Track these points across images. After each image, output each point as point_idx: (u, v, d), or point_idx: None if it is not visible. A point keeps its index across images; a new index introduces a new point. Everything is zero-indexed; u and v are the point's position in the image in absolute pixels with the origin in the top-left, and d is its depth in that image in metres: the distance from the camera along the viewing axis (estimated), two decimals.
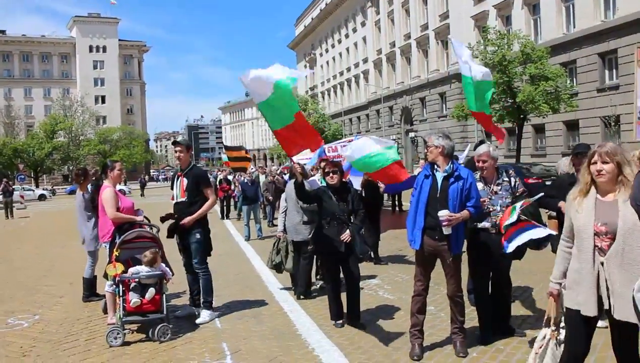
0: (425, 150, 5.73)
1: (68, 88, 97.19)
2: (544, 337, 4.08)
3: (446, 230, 5.40)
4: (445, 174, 5.51)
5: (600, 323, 6.05)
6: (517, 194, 5.87)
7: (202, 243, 7.34)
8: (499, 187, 5.89)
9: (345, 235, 6.65)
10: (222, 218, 22.03)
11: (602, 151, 3.62)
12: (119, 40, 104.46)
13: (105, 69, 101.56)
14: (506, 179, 5.96)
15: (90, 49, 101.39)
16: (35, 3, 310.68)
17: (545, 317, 4.10)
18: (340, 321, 6.86)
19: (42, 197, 51.67)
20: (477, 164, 5.95)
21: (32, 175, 72.00)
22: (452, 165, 5.56)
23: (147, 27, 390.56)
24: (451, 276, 5.64)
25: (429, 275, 5.72)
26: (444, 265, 5.65)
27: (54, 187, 68.62)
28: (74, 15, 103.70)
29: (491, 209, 5.81)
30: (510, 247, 5.33)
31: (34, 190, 54.92)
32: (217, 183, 22.60)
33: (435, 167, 5.60)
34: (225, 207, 22.70)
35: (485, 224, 5.83)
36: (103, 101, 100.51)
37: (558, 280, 3.93)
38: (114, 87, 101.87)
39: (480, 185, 5.83)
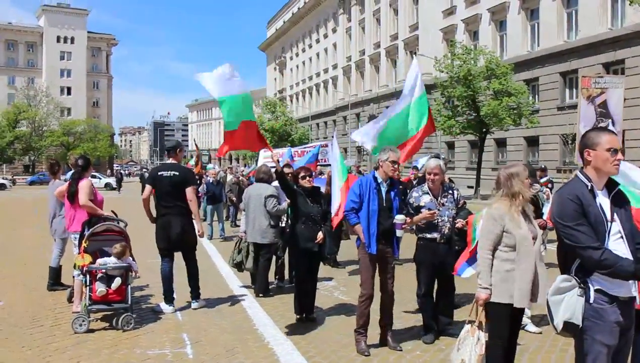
0: (381, 163, 6.14)
1: (33, 77, 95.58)
2: (467, 331, 4.56)
3: (399, 233, 5.92)
4: (387, 186, 6.05)
5: (533, 329, 6.59)
6: (459, 206, 6.41)
7: None
8: (445, 199, 6.37)
9: (320, 236, 7.14)
10: None
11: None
12: (88, 32, 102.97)
13: (72, 60, 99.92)
14: (450, 191, 6.46)
15: (58, 39, 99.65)
16: None
17: (477, 320, 4.53)
18: (304, 315, 7.27)
19: (1, 187, 50.81)
20: (427, 176, 6.41)
21: None
22: (389, 179, 6.14)
23: (116, 18, 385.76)
24: (391, 276, 6.15)
25: (374, 278, 6.16)
26: (387, 267, 6.12)
27: (14, 177, 67.54)
28: (43, 3, 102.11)
29: (439, 220, 6.26)
30: (466, 273, 6.02)
31: None
32: None
33: (379, 179, 6.08)
34: None
35: (434, 235, 6.29)
36: (69, 93, 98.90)
37: (489, 286, 4.42)
38: (80, 79, 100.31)
39: (427, 198, 6.31)
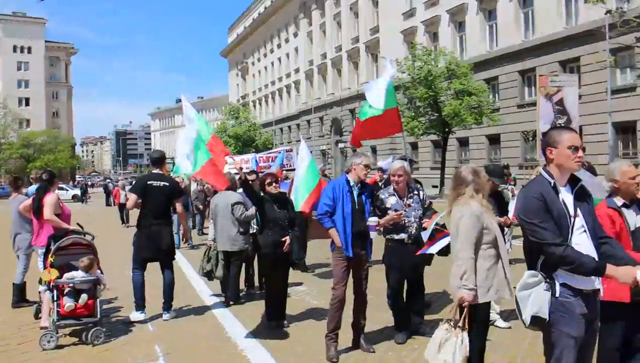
0: (354, 166, 6.20)
1: None
2: (447, 331, 4.55)
3: (373, 235, 5.99)
4: (359, 189, 6.11)
5: (502, 324, 6.72)
6: (426, 206, 6.49)
7: None
8: (411, 200, 6.45)
9: (287, 240, 7.17)
10: (124, 223, 23.41)
11: None
12: (46, 41, 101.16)
13: (30, 70, 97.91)
14: (416, 192, 6.53)
15: (15, 49, 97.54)
16: None
17: (462, 322, 4.43)
18: (276, 321, 7.26)
19: None
20: (392, 178, 6.49)
21: None
22: (360, 182, 6.22)
23: (76, 28, 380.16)
24: (365, 278, 6.20)
25: (347, 281, 6.20)
26: (361, 269, 6.17)
27: None
28: None
29: (406, 221, 6.33)
30: (432, 249, 6.09)
31: None
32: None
33: (351, 182, 6.14)
34: (125, 214, 24.02)
35: (402, 235, 6.35)
36: (27, 104, 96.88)
37: (475, 286, 4.44)
38: (39, 90, 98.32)
39: (394, 199, 6.38)
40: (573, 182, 3.55)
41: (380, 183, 11.34)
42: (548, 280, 3.45)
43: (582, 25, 28.59)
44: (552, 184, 3.48)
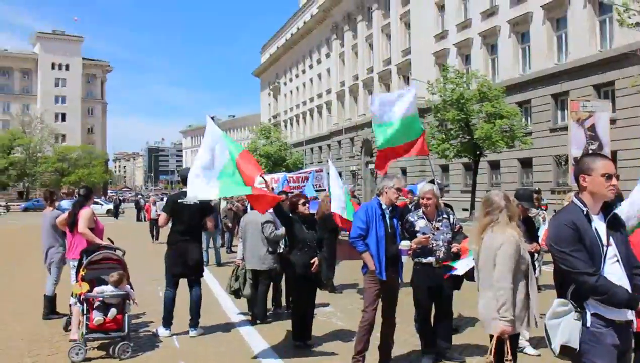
0: (386, 190, 6.22)
1: (28, 104, 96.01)
2: None
3: (404, 259, 5.98)
4: (390, 212, 6.12)
5: (532, 351, 6.61)
6: (455, 231, 6.45)
7: None
8: (440, 224, 6.40)
9: (315, 261, 7.20)
10: (153, 239, 22.91)
11: None
12: (83, 58, 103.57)
13: (67, 86, 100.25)
14: (445, 216, 6.49)
15: (53, 66, 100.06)
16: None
17: (508, 355, 4.27)
18: (302, 341, 7.25)
19: None
20: (421, 201, 6.46)
21: None
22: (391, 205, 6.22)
23: (109, 46, 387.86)
24: (395, 301, 6.16)
25: (378, 304, 6.18)
26: (393, 293, 6.15)
27: (8, 203, 67.32)
28: (37, 30, 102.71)
29: (434, 244, 6.28)
30: (459, 270, 6.04)
31: None
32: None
33: (383, 205, 6.14)
34: (155, 230, 23.39)
35: (430, 259, 6.30)
36: (63, 119, 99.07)
37: (513, 317, 4.34)
38: (75, 106, 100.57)
39: (423, 222, 6.34)
40: (606, 210, 3.50)
41: (410, 206, 11.31)
42: (579, 309, 3.39)
43: (617, 49, 28.26)
44: (584, 212, 3.42)
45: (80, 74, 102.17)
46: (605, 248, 3.36)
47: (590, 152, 7.74)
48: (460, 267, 6.26)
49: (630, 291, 3.31)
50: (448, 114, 30.74)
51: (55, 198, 9.15)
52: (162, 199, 24.96)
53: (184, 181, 8.26)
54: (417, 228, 6.33)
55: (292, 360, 6.73)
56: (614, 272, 3.34)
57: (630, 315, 3.40)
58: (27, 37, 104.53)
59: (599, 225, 3.42)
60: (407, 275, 6.70)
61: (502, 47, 38.14)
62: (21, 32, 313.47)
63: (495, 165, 37.77)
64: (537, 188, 19.74)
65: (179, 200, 8.01)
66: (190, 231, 7.98)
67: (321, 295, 10.38)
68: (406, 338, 7.37)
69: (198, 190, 6.71)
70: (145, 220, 43.05)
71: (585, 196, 3.48)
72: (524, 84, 35.22)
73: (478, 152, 31.42)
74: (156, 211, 22.39)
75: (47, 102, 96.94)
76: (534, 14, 34.90)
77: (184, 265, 7.90)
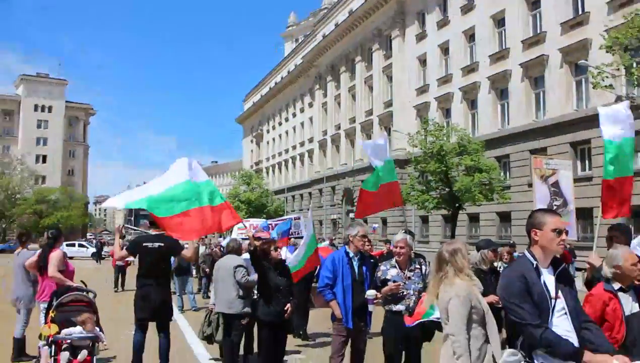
0: (352, 239, 6.33)
1: (9, 145, 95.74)
2: None
3: (371, 307, 6.02)
4: (358, 260, 6.20)
5: None
6: (427, 281, 6.50)
7: None
8: (412, 273, 6.48)
9: (288, 307, 7.22)
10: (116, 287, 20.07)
11: None
12: (66, 101, 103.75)
13: (49, 128, 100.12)
14: (417, 265, 6.57)
15: (36, 108, 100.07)
16: None
17: None
18: None
19: None
20: (394, 249, 6.54)
21: None
22: (359, 253, 6.27)
23: (93, 91, 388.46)
24: (363, 349, 6.20)
25: (344, 352, 6.22)
26: (360, 340, 6.19)
27: None
28: (22, 73, 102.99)
29: (405, 293, 6.35)
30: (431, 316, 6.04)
31: None
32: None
33: (351, 253, 6.24)
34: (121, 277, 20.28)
35: (400, 307, 6.35)
36: (44, 161, 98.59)
37: None
38: (56, 148, 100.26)
39: (395, 271, 6.42)
40: (556, 264, 3.63)
41: (385, 255, 11.40)
42: (527, 359, 3.49)
43: (592, 109, 28.92)
44: (534, 265, 3.56)
45: (63, 116, 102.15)
46: (553, 301, 3.48)
47: (554, 208, 7.93)
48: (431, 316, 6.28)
49: (576, 344, 3.41)
50: (428, 165, 31.06)
51: (25, 240, 9.11)
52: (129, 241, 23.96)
53: (152, 224, 8.32)
54: (388, 277, 6.39)
55: None
56: (562, 325, 3.46)
57: None
58: (9, 80, 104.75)
59: (548, 279, 3.55)
60: (378, 325, 6.74)
61: (482, 102, 38.94)
62: (3, 74, 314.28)
63: (474, 218, 38.07)
64: (512, 242, 19.92)
65: (144, 244, 8.02)
66: (155, 275, 7.94)
67: (293, 342, 10.41)
68: None
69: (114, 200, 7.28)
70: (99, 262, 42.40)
71: (536, 250, 3.62)
72: (503, 139, 35.83)
73: (457, 204, 31.65)
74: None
75: (28, 143, 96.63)
76: (512, 71, 35.80)
77: (148, 310, 7.86)
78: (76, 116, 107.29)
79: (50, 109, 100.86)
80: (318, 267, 10.17)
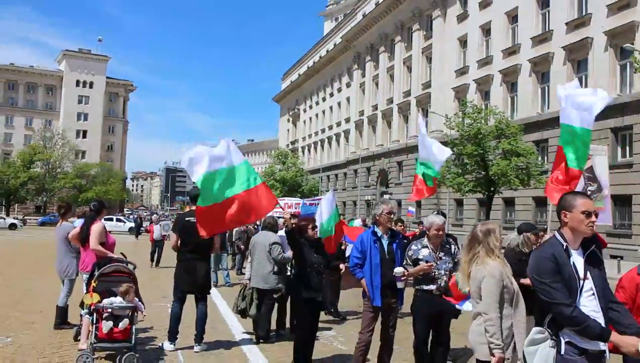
0: (378, 217, 6.46)
1: (51, 120, 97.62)
2: None
3: (400, 285, 6.14)
4: (389, 239, 6.30)
5: None
6: (456, 260, 6.59)
7: None
8: (443, 253, 6.57)
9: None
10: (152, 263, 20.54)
11: None
12: (107, 77, 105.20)
13: (90, 104, 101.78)
14: (448, 246, 6.66)
15: (77, 83, 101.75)
16: (26, 34, 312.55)
17: None
18: None
19: (12, 226, 51.15)
20: (431, 232, 6.59)
21: (4, 203, 71.53)
22: (389, 231, 6.38)
23: (131, 68, 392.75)
24: (393, 326, 6.33)
25: (374, 327, 6.36)
26: (390, 317, 6.32)
27: (25, 217, 68.05)
28: (64, 49, 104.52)
29: (436, 273, 6.45)
30: (466, 306, 6.12)
31: (4, 219, 54.63)
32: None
33: (379, 232, 6.35)
34: (158, 253, 21.02)
35: (431, 287, 6.46)
36: (84, 136, 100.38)
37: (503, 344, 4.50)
38: (96, 123, 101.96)
39: (426, 251, 6.51)
40: (585, 245, 3.69)
41: (418, 236, 11.47)
42: (554, 337, 3.58)
43: (635, 94, 28.40)
44: (564, 247, 3.63)
45: (104, 93, 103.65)
46: (582, 282, 3.56)
47: (588, 193, 7.91)
48: (466, 307, 6.34)
49: (603, 324, 3.49)
50: (465, 148, 30.84)
51: (66, 213, 9.38)
52: (166, 218, 24.08)
53: (192, 200, 8.51)
54: (420, 256, 6.50)
55: None
56: (589, 305, 3.53)
57: (602, 346, 3.57)
58: (51, 55, 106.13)
59: (577, 260, 3.62)
60: (409, 303, 6.85)
61: (522, 85, 38.40)
62: (47, 50, 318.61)
63: (509, 202, 37.77)
64: (545, 226, 19.82)
65: (186, 219, 8.27)
66: (198, 249, 8.20)
67: (324, 320, 10.60)
68: None
69: (189, 161, 7.13)
70: (137, 238, 42.02)
71: (566, 231, 3.69)
72: (541, 123, 35.34)
73: (493, 188, 31.43)
74: (161, 232, 21.44)
75: (70, 118, 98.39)
76: (555, 54, 35.20)
77: (190, 282, 8.16)
78: (116, 92, 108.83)
79: (91, 84, 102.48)
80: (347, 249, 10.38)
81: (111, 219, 52.77)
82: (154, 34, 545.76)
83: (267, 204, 7.55)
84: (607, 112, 30.08)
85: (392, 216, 6.43)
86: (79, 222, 9.71)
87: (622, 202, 28.55)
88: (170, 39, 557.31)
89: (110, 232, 8.88)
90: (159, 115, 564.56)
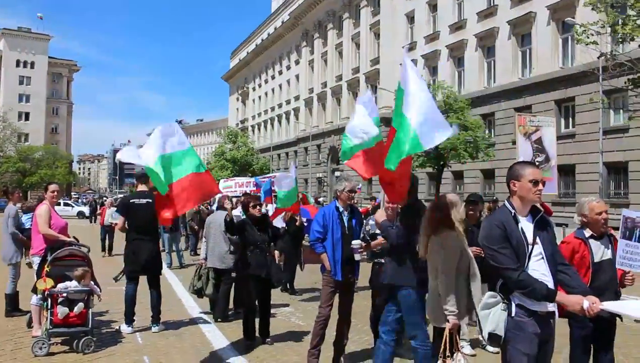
0: (339, 194, 6.54)
1: None
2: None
3: (357, 257, 6.26)
4: (349, 214, 6.41)
5: (468, 351, 6.95)
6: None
7: None
8: None
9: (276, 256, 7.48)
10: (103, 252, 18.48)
11: None
12: (49, 57, 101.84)
13: (31, 85, 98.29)
14: None
15: (18, 63, 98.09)
16: None
17: (454, 346, 4.63)
18: (253, 341, 7.50)
19: None
20: (386, 206, 6.69)
21: None
22: (349, 206, 6.50)
23: (80, 46, 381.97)
24: (351, 299, 6.48)
25: (333, 302, 6.49)
26: (347, 291, 6.45)
27: None
28: (2, 27, 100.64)
29: None
30: None
31: None
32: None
33: (340, 208, 6.45)
34: (108, 239, 19.03)
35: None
36: (27, 118, 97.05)
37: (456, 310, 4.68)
38: (39, 105, 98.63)
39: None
40: (535, 212, 3.86)
41: (371, 212, 11.64)
42: (505, 301, 3.77)
43: (577, 67, 29.11)
44: (512, 214, 3.80)
45: (46, 73, 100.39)
46: (530, 247, 3.73)
47: (537, 163, 8.19)
48: None
49: (552, 286, 3.66)
50: None
51: (9, 195, 9.22)
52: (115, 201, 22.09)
53: (139, 180, 8.47)
54: (377, 231, 6.61)
55: (250, 355, 7.00)
56: (539, 269, 3.71)
57: (551, 307, 3.76)
58: None
59: (526, 226, 3.79)
60: (366, 279, 7.00)
61: (469, 60, 38.97)
62: None
63: (458, 175, 38.47)
64: (495, 198, 20.38)
65: (131, 201, 8.26)
66: (145, 230, 8.14)
67: (282, 297, 10.74)
68: (361, 337, 7.68)
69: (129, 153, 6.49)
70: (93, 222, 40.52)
71: (514, 200, 3.86)
72: (488, 97, 36.00)
73: (442, 162, 31.93)
74: (110, 219, 18.59)
75: (11, 100, 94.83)
76: (500, 29, 35.77)
77: (139, 263, 8.11)
78: (59, 72, 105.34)
79: (32, 64, 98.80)
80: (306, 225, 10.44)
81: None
82: (108, 12, 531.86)
83: (209, 191, 7.21)
84: (551, 85, 30.89)
85: (352, 194, 6.54)
86: (25, 218, 9.43)
87: (566, 171, 29.37)
88: (125, 18, 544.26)
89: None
90: (112, 95, 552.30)
